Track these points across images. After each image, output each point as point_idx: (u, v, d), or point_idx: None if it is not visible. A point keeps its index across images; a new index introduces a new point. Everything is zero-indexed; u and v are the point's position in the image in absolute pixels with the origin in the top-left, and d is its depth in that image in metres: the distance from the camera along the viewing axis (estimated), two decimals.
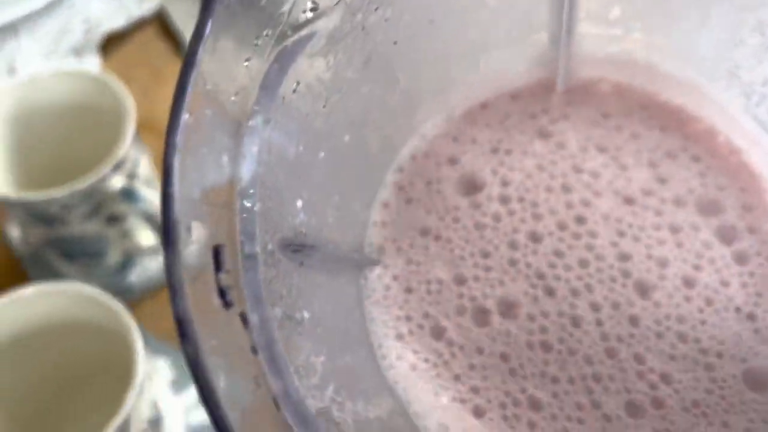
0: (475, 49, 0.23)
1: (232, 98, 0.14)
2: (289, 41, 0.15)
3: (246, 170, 0.15)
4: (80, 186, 0.37)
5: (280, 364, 0.14)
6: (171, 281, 0.12)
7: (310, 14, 0.15)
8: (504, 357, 0.22)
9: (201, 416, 0.37)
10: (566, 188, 0.25)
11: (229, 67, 0.14)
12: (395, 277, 0.23)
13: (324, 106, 0.18)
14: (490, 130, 0.24)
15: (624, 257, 0.24)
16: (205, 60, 0.12)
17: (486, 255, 0.23)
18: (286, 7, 0.15)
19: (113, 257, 0.42)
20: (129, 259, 0.42)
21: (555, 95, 0.25)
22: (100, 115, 0.41)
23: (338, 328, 0.20)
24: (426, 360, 0.21)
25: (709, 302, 0.23)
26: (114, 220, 0.40)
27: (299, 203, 0.17)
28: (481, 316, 0.23)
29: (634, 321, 0.23)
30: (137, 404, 0.32)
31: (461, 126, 0.24)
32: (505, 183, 0.24)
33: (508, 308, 0.23)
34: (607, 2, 0.23)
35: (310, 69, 0.16)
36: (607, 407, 0.21)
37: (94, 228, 0.40)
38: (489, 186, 0.24)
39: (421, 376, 0.21)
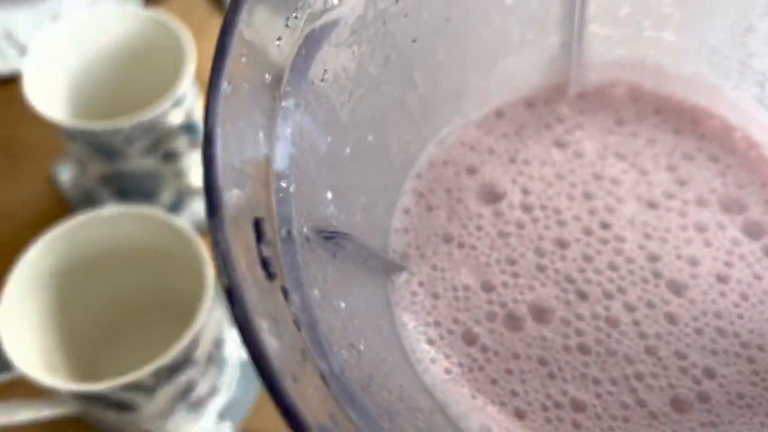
0: (489, 51, 0.24)
1: (266, 76, 0.14)
2: (317, 25, 0.16)
3: (281, 151, 0.15)
4: (144, 118, 0.38)
5: (323, 344, 0.14)
6: (218, 247, 0.12)
7: (336, 1, 0.16)
8: (541, 361, 0.22)
9: None
10: (588, 195, 0.25)
11: (263, 43, 0.14)
12: (421, 284, 0.23)
13: (348, 100, 0.18)
14: (507, 141, 0.25)
15: (653, 258, 0.24)
16: (242, 30, 0.13)
17: (512, 262, 0.24)
18: None
19: (165, 197, 0.43)
20: (180, 200, 0.43)
21: (568, 102, 0.26)
22: (158, 54, 0.42)
23: (372, 326, 0.20)
24: (460, 365, 0.21)
25: (744, 297, 0.23)
26: (170, 157, 0.41)
27: (329, 194, 0.18)
28: (514, 322, 0.23)
29: (671, 319, 0.23)
30: (208, 321, 0.32)
31: (477, 135, 0.25)
32: (525, 192, 0.25)
33: (540, 313, 0.23)
34: (615, 1, 0.24)
35: (336, 58, 0.17)
36: (653, 404, 0.21)
37: (151, 164, 0.41)
38: (510, 195, 0.25)
39: (457, 380, 0.21)
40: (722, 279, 0.24)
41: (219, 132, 0.12)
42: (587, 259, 0.24)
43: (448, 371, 0.21)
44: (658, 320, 0.23)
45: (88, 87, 0.44)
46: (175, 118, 0.40)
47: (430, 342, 0.21)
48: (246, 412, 0.37)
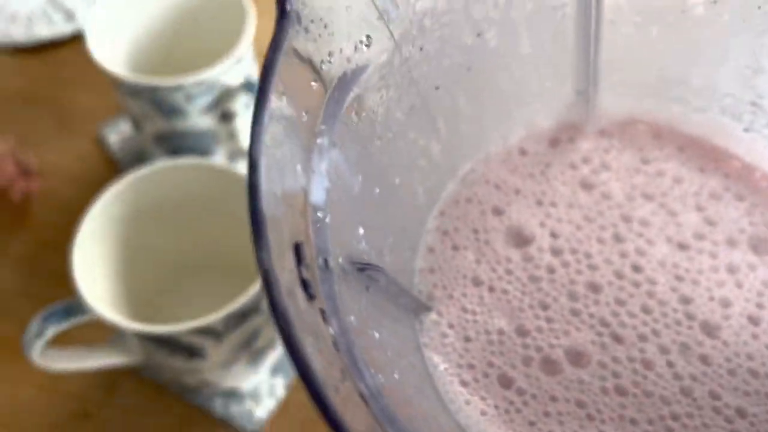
0: (509, 98, 0.25)
1: (303, 114, 0.16)
2: (348, 69, 0.17)
3: (317, 185, 0.16)
4: (206, 75, 0.39)
5: (360, 366, 0.15)
6: (261, 265, 0.13)
7: (365, 48, 0.18)
8: (580, 404, 0.22)
9: None
10: (618, 238, 0.26)
11: (300, 83, 0.16)
12: (451, 326, 0.23)
13: (378, 142, 0.20)
14: (533, 181, 0.26)
15: (686, 300, 0.25)
16: (281, 71, 0.15)
17: (545, 306, 0.24)
18: (345, 38, 0.17)
19: (218, 157, 0.44)
20: (232, 161, 0.44)
21: (592, 141, 0.27)
22: (218, 13, 0.43)
23: (405, 360, 0.20)
24: (496, 407, 0.22)
25: None
26: (227, 117, 0.42)
27: (361, 230, 0.19)
28: (551, 366, 0.23)
29: (705, 360, 0.23)
30: None
31: (502, 173, 0.26)
32: (554, 235, 0.26)
33: (577, 357, 0.23)
34: (627, 49, 0.26)
35: (365, 102, 0.18)
36: None
37: (208, 124, 0.42)
38: (539, 238, 0.26)
39: (493, 421, 0.21)
40: (754, 320, 0.24)
41: (263, 161, 0.14)
42: (620, 302, 0.25)
43: (483, 413, 0.21)
44: (692, 362, 0.23)
45: (149, 44, 0.45)
46: (235, 77, 0.41)
47: (464, 384, 0.22)
48: None
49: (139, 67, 0.44)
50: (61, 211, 0.46)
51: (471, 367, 0.23)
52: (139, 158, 0.47)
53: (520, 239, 0.26)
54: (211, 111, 0.42)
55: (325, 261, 0.16)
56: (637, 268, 0.26)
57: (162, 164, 0.36)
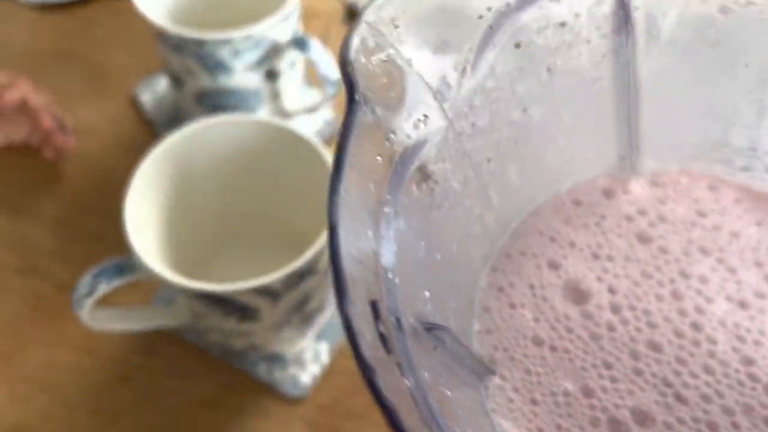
0: (554, 169, 0.27)
1: (371, 186, 0.18)
2: (408, 144, 0.19)
3: (386, 248, 0.18)
4: (255, 30, 0.39)
5: (438, 419, 0.16)
6: (345, 319, 0.15)
7: (423, 126, 0.20)
8: None
9: None
10: (677, 295, 0.27)
11: (368, 158, 0.18)
12: (516, 389, 0.24)
13: (437, 210, 0.22)
14: (588, 233, 0.27)
15: (749, 362, 0.25)
16: (352, 145, 0.17)
17: (609, 366, 0.25)
18: (405, 117, 0.19)
19: (260, 116, 0.43)
20: None
21: (647, 191, 0.28)
22: None
23: (476, 423, 0.21)
24: None
25: None
26: (272, 75, 0.42)
27: (426, 294, 0.20)
28: (617, 427, 0.24)
29: None
30: None
31: (555, 224, 0.27)
32: (612, 291, 0.26)
33: (642, 417, 0.24)
34: (667, 114, 0.27)
35: (424, 174, 0.20)
36: None
37: (253, 81, 0.41)
38: (597, 294, 0.26)
39: None
40: None
41: (341, 226, 0.16)
42: (681, 362, 0.25)
43: None
44: (757, 424, 0.23)
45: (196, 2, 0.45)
46: (283, 33, 0.41)
47: None
48: (341, 334, 0.38)
49: (181, 21, 0.43)
50: (93, 172, 0.46)
51: (540, 431, 0.23)
52: (174, 118, 0.46)
53: (578, 295, 0.26)
54: (256, 68, 0.41)
55: (397, 320, 0.17)
56: (697, 327, 0.26)
57: (216, 119, 0.36)
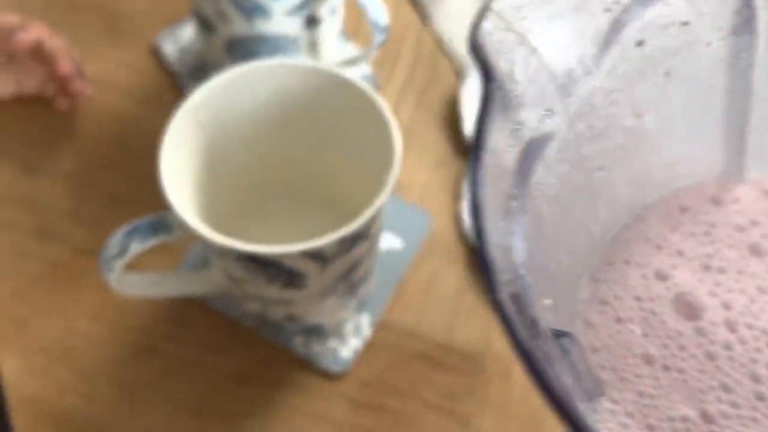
0: (660, 177, 0.26)
1: (500, 176, 0.17)
2: (535, 138, 0.19)
3: (516, 244, 0.17)
4: None
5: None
6: (497, 304, 0.14)
7: (547, 120, 0.19)
8: None
9: None
10: None
11: (500, 147, 0.17)
12: (629, 414, 0.23)
13: (548, 215, 0.21)
14: (696, 241, 0.26)
15: None
16: (491, 136, 0.16)
17: (728, 389, 0.24)
18: (531, 108, 0.19)
19: None
20: None
21: (759, 201, 0.26)
22: None
23: None
24: None
25: None
26: (312, 22, 0.38)
27: (549, 301, 0.19)
28: None
29: None
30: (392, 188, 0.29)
31: (661, 230, 0.26)
32: (727, 307, 0.25)
33: None
34: None
35: (545, 174, 0.20)
36: None
37: (292, 28, 0.38)
38: (710, 310, 0.25)
39: None
40: None
41: (487, 218, 0.15)
42: None
43: None
44: None
45: None
46: None
47: None
48: (383, 306, 0.36)
49: None
50: (111, 127, 0.42)
51: None
52: (199, 70, 0.42)
53: (690, 310, 0.25)
54: (297, 13, 0.37)
55: (533, 319, 0.17)
56: None
57: (258, 63, 0.32)
